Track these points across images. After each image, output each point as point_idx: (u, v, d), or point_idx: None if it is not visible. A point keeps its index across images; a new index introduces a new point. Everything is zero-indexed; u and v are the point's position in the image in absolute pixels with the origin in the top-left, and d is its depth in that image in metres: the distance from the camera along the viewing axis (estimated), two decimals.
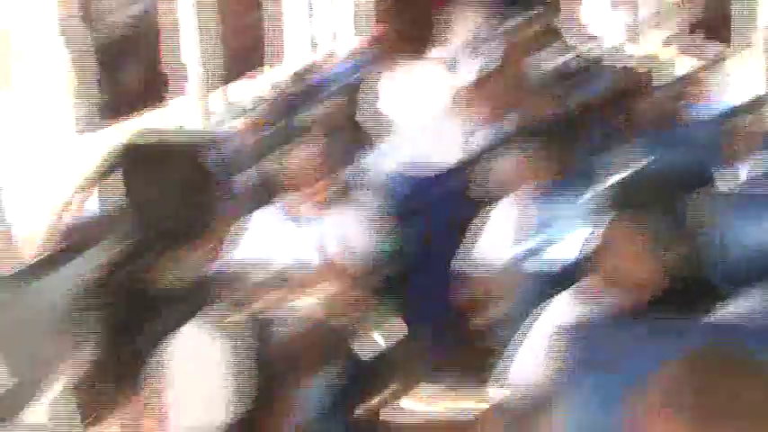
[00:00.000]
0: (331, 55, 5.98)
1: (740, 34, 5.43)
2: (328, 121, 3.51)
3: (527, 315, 2.05)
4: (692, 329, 1.64)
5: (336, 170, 2.77)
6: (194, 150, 1.57)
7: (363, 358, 2.51)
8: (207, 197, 1.54)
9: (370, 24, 5.53)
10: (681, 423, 1.03)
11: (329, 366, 2.41)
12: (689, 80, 4.50)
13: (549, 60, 3.95)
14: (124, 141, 1.60)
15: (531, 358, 1.93)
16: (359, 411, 2.69)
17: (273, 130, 3.47)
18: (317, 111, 3.79)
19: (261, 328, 1.61)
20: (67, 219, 2.24)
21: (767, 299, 1.79)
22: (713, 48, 5.67)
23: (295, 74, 5.24)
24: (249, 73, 4.71)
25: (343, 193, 2.79)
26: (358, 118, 3.47)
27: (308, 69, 5.40)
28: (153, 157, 1.56)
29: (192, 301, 1.47)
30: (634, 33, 6.86)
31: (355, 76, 4.28)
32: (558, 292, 2.01)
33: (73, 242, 2.01)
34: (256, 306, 1.84)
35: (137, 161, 1.56)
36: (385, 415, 2.91)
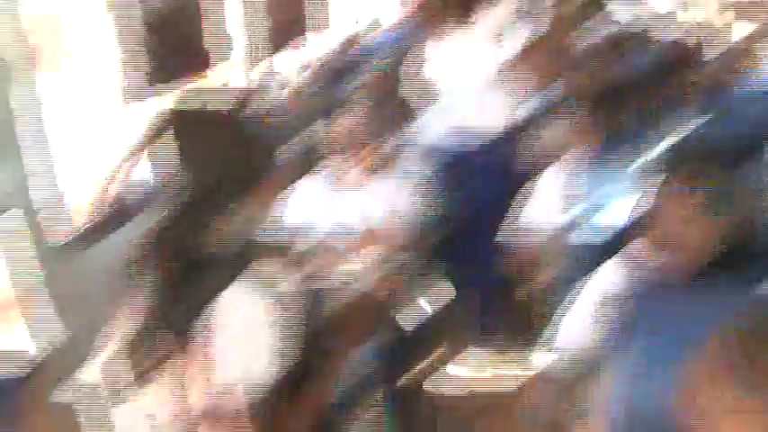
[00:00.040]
0: (375, 24, 5.94)
1: None
2: (373, 88, 3.50)
3: (575, 282, 2.03)
4: (742, 296, 1.61)
5: (382, 137, 2.77)
6: (236, 112, 1.59)
7: (408, 329, 2.52)
8: (253, 161, 1.55)
9: None
10: (731, 389, 1.02)
11: (374, 336, 2.42)
12: (743, 50, 4.37)
13: (594, 31, 3.89)
14: (169, 107, 1.62)
15: (578, 324, 1.92)
16: (402, 381, 2.71)
17: (319, 99, 3.47)
18: (363, 79, 3.78)
19: (309, 294, 1.63)
20: (116, 187, 2.28)
21: None
22: None
23: (340, 43, 5.22)
24: (293, 43, 4.71)
25: (389, 161, 2.79)
26: (403, 86, 3.45)
27: (353, 39, 5.38)
28: (198, 121, 1.58)
29: (239, 263, 1.49)
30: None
31: (400, 44, 4.25)
32: (607, 258, 1.99)
33: (122, 208, 2.05)
34: (304, 271, 1.85)
35: (184, 125, 1.57)
36: (428, 385, 2.92)
